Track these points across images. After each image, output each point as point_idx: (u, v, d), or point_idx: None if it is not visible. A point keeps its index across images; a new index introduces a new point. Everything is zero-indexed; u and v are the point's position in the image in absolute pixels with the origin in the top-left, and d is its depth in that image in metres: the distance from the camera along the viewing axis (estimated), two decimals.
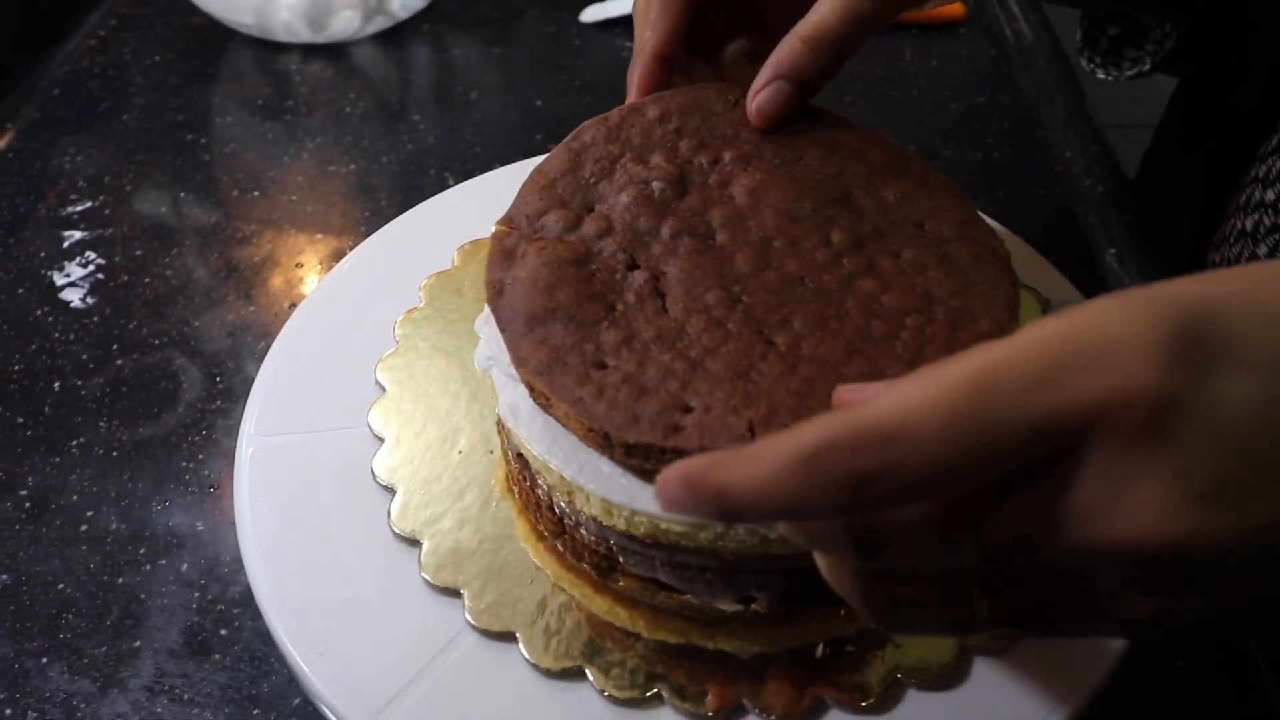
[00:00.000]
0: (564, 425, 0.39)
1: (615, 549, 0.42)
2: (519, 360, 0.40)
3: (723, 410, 0.37)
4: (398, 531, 0.45)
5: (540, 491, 0.44)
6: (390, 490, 0.47)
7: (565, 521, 0.44)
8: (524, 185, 0.45)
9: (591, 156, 0.45)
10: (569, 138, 0.46)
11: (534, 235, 0.43)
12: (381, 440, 0.48)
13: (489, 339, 0.43)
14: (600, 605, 0.43)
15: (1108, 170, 0.71)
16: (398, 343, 0.52)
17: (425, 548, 0.45)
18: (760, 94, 0.44)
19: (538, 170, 0.45)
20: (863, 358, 0.39)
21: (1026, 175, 0.72)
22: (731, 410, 0.37)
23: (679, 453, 0.37)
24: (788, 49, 0.43)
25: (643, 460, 0.38)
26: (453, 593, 0.43)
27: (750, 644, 0.42)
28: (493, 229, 0.44)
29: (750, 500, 0.26)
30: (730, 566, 0.40)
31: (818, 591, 0.42)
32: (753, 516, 0.26)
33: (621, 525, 0.40)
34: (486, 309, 0.43)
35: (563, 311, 0.40)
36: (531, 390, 0.40)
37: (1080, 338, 0.25)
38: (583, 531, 0.43)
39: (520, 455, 0.43)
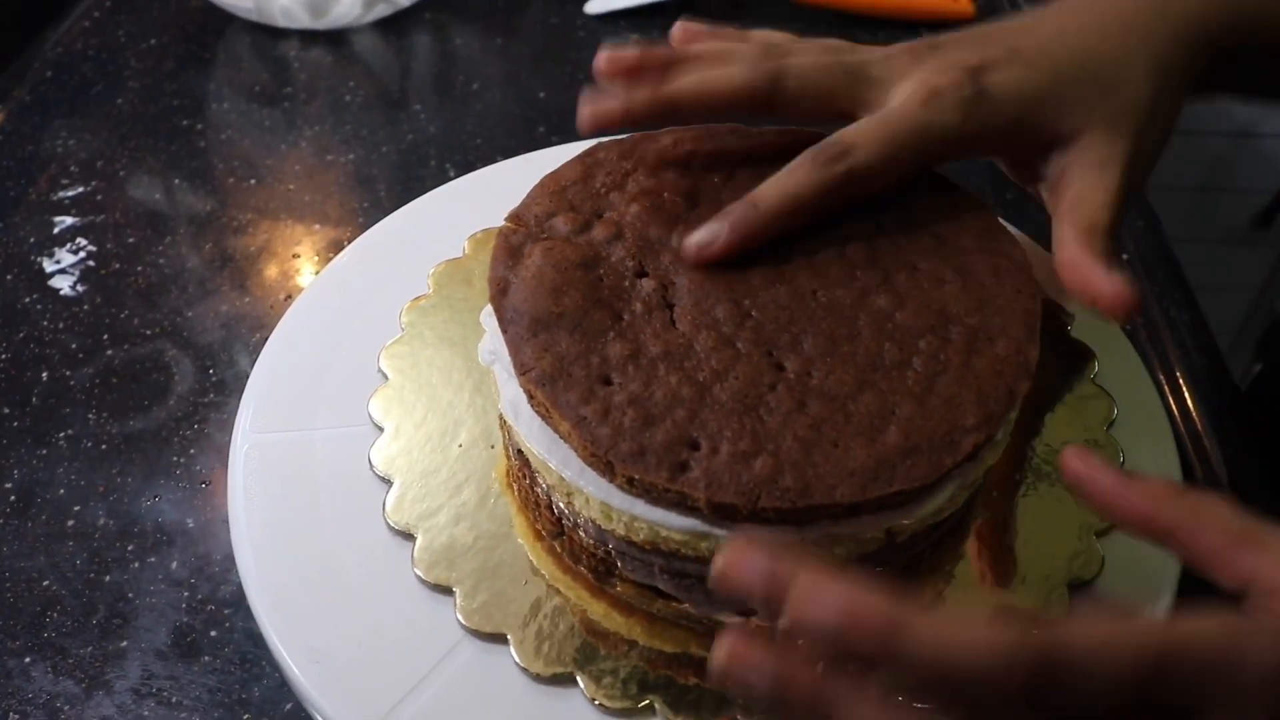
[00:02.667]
0: (564, 440, 0.38)
1: (614, 553, 0.41)
2: (521, 366, 0.38)
3: (730, 455, 0.36)
4: (392, 524, 0.44)
5: (539, 490, 0.43)
6: (387, 482, 0.45)
7: (564, 522, 0.43)
8: (533, 189, 0.44)
9: (604, 169, 0.45)
10: (582, 153, 0.45)
11: (542, 235, 0.42)
12: (381, 430, 0.47)
13: (493, 332, 0.42)
14: (597, 609, 0.42)
15: None
16: (403, 330, 0.51)
17: (419, 543, 0.43)
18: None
19: (549, 176, 0.45)
20: (872, 391, 0.38)
21: None
22: (739, 456, 0.36)
23: (684, 495, 0.36)
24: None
25: (644, 492, 0.37)
26: (446, 590, 0.42)
27: None
28: (501, 224, 0.43)
29: (932, 646, 0.27)
30: None
31: None
32: (922, 658, 0.28)
33: (621, 530, 0.39)
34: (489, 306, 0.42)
35: (569, 317, 0.39)
36: (531, 398, 0.39)
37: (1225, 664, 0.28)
38: (581, 534, 0.42)
39: (520, 452, 0.42)
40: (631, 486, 0.37)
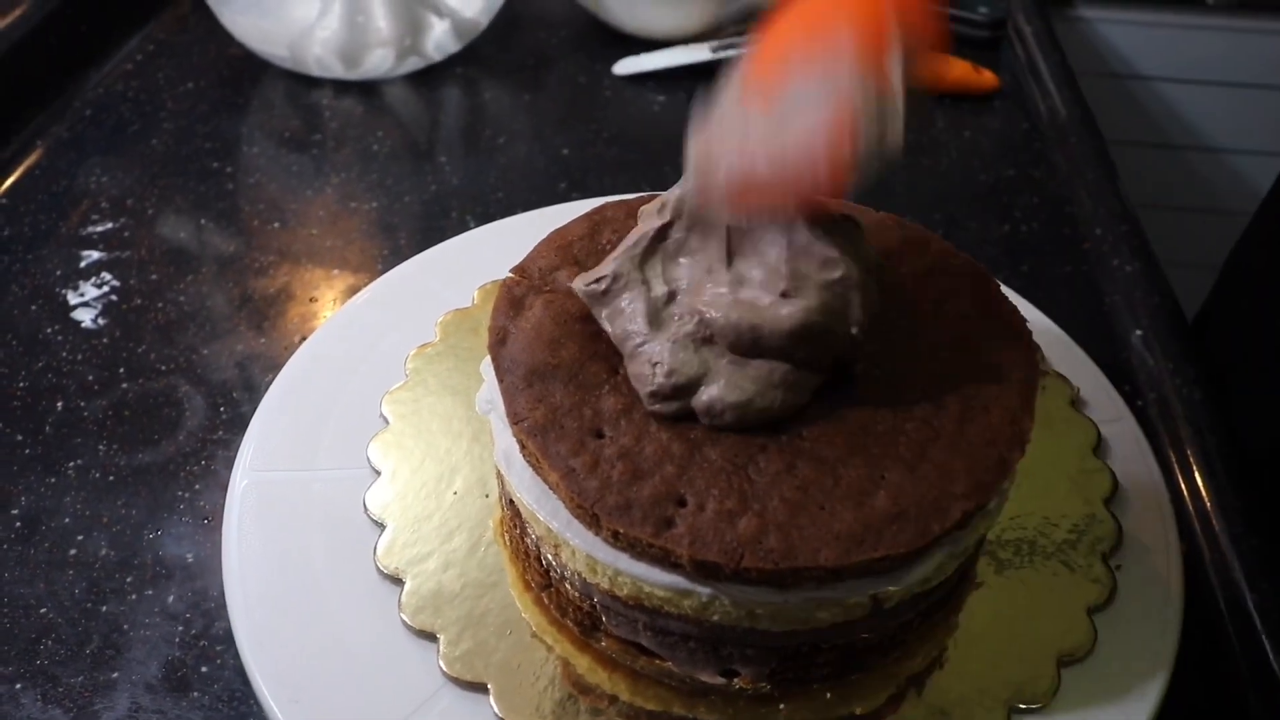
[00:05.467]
0: (553, 491, 0.38)
1: (599, 607, 0.41)
2: (514, 415, 0.39)
3: (715, 513, 0.36)
4: (382, 568, 0.44)
5: (529, 541, 0.43)
6: (380, 525, 0.46)
7: (551, 574, 0.43)
8: (540, 243, 0.45)
9: (610, 227, 0.45)
10: (590, 210, 0.46)
11: (544, 288, 0.43)
12: (378, 474, 0.48)
13: (491, 382, 0.42)
14: (581, 663, 0.42)
15: (1137, 250, 0.70)
16: (407, 376, 0.52)
17: (406, 588, 0.44)
18: None
19: (556, 231, 0.46)
20: (863, 456, 0.38)
21: (1053, 251, 0.71)
22: (725, 515, 0.36)
23: (667, 552, 0.36)
24: None
25: (629, 547, 0.37)
26: (430, 637, 0.42)
27: (731, 719, 0.41)
28: (505, 276, 0.44)
29: None
30: (714, 637, 0.39)
31: (805, 673, 0.41)
32: None
33: (605, 584, 0.39)
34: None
35: (565, 369, 0.40)
36: (523, 448, 0.39)
37: None
38: (568, 586, 0.42)
39: (512, 502, 0.43)
40: (617, 540, 0.37)
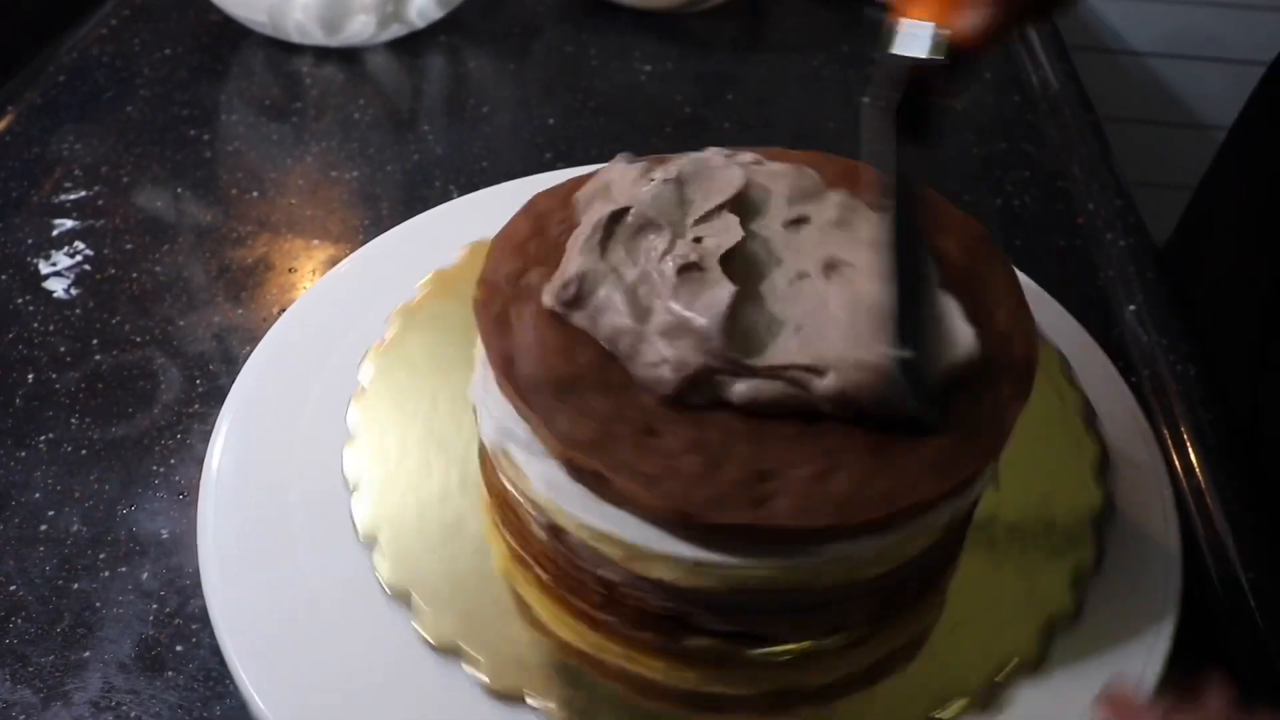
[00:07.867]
0: (615, 505, 0.36)
1: (691, 609, 0.39)
2: (561, 436, 0.36)
3: (808, 478, 0.35)
4: (364, 544, 0.43)
5: (581, 565, 0.40)
6: (360, 501, 0.44)
7: (620, 590, 0.40)
8: (492, 250, 0.42)
9: (554, 219, 0.43)
10: (524, 207, 0.44)
11: (521, 296, 0.40)
12: (358, 449, 0.46)
13: (489, 391, 0.39)
14: (566, 629, 0.41)
15: (1131, 225, 0.69)
16: (387, 344, 0.50)
17: (388, 563, 0.42)
18: None
19: (502, 235, 0.43)
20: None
21: (1047, 225, 0.70)
22: (816, 477, 0.35)
23: (769, 530, 0.34)
24: None
25: (727, 537, 0.35)
26: (412, 607, 0.41)
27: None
28: (473, 297, 0.41)
29: None
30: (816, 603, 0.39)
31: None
32: None
33: (703, 583, 0.37)
34: (477, 373, 0.41)
35: (589, 375, 0.37)
36: (572, 466, 0.36)
37: None
38: (650, 598, 0.39)
39: (555, 528, 0.40)
40: (713, 534, 0.35)
